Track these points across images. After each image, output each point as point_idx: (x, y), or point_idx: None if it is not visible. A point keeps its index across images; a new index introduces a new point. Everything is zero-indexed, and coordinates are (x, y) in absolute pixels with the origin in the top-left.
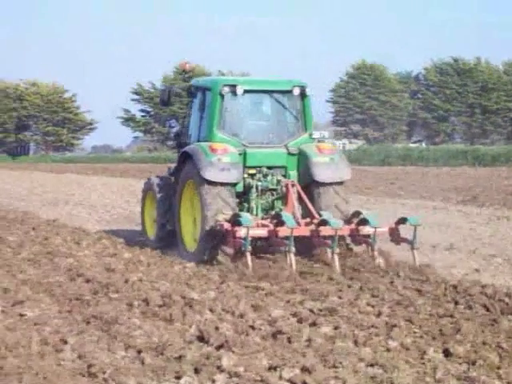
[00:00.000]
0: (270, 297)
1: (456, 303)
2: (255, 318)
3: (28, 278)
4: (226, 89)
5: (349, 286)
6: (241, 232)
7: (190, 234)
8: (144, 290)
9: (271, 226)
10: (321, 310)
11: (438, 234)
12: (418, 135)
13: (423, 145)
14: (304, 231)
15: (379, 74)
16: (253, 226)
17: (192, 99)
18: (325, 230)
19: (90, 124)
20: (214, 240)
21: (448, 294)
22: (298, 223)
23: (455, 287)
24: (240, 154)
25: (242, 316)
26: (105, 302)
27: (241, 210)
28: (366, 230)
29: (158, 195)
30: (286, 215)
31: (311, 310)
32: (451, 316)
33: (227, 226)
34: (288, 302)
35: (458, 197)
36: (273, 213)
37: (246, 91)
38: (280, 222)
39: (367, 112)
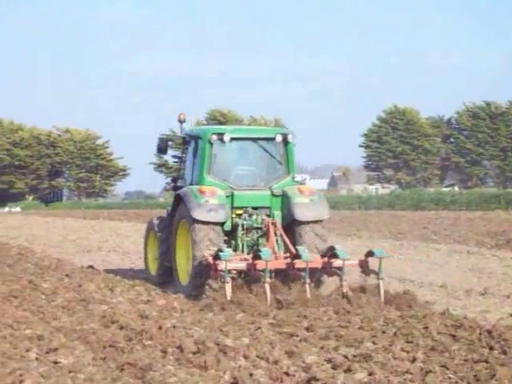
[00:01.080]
0: (304, 343)
1: (491, 348)
2: (289, 365)
3: (62, 325)
4: (215, 137)
5: (383, 332)
6: (221, 265)
7: (183, 269)
8: (178, 336)
9: (250, 260)
10: (355, 356)
11: (471, 279)
12: (450, 179)
13: (456, 189)
14: (279, 264)
15: (411, 118)
16: (233, 260)
17: (186, 147)
18: (298, 263)
19: (123, 170)
20: (203, 274)
21: (483, 339)
22: (276, 257)
23: (490, 332)
24: (227, 196)
25: (276, 362)
26: (139, 349)
27: (229, 247)
28: (336, 262)
29: (159, 235)
30: (264, 250)
31: (345, 356)
32: (486, 361)
33: (210, 260)
34: (322, 348)
35: (491, 241)
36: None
37: (232, 139)
38: (257, 256)
39: (399, 156)
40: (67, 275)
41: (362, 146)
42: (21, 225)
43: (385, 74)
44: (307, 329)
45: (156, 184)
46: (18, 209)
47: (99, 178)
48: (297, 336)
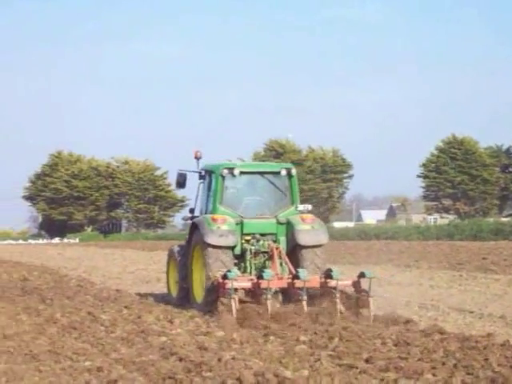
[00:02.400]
0: (363, 374)
1: None
2: None
3: (121, 357)
4: (226, 171)
5: (443, 364)
6: (228, 284)
7: (198, 288)
8: (237, 368)
9: (255, 280)
10: None
11: None
12: (509, 209)
13: None
14: (281, 284)
15: (470, 148)
16: (239, 280)
17: (202, 181)
18: (297, 283)
19: (181, 201)
20: (215, 292)
21: None
22: (279, 278)
23: None
24: (237, 224)
25: None
26: (198, 381)
27: (238, 269)
28: (332, 282)
29: (178, 260)
30: (266, 271)
31: None
32: None
33: (220, 279)
34: (382, 379)
35: None
36: None
37: (242, 173)
38: (261, 277)
39: (458, 186)
40: (126, 307)
41: (420, 177)
42: (80, 256)
43: (444, 105)
44: (366, 360)
45: None
46: (76, 240)
47: (158, 209)
48: (356, 368)
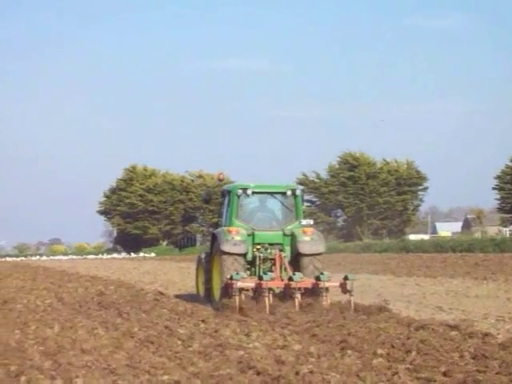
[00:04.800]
0: None
1: None
2: None
3: (199, 371)
4: (240, 191)
5: None
6: (236, 284)
7: (216, 288)
8: (315, 382)
9: (257, 281)
10: None
11: None
12: None
13: None
14: (278, 284)
15: None
16: (245, 281)
17: (223, 199)
18: (293, 284)
19: None
20: (227, 291)
21: None
22: (281, 280)
23: None
24: (249, 235)
25: None
26: None
27: (250, 273)
28: (322, 284)
29: (204, 265)
30: (267, 274)
31: None
32: None
33: (229, 281)
34: None
35: None
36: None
37: (254, 192)
38: (261, 278)
39: None
40: (203, 320)
41: (495, 188)
42: (155, 270)
43: None
44: (444, 374)
45: None
46: (152, 254)
47: None
48: (434, 381)
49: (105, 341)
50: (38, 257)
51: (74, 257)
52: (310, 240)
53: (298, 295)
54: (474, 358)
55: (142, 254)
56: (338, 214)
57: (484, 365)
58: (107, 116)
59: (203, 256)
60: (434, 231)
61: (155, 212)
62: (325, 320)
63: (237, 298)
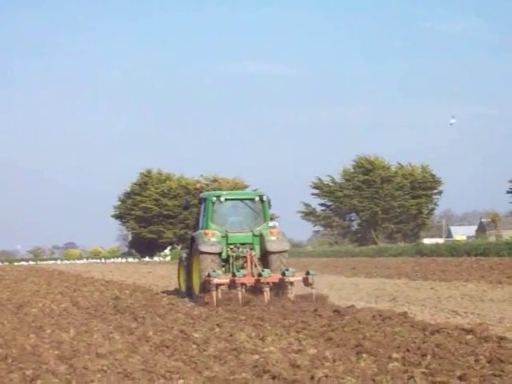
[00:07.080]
0: None
1: None
2: None
3: (214, 375)
4: (215, 198)
5: None
6: (213, 280)
7: (196, 284)
8: None
9: (231, 277)
10: None
11: None
12: None
13: None
14: (249, 280)
15: None
16: (220, 277)
17: (200, 205)
18: (262, 279)
19: (271, 218)
20: (205, 287)
21: None
22: (252, 276)
23: None
24: (223, 236)
25: None
26: None
27: (224, 270)
28: (287, 278)
29: (184, 264)
30: (240, 271)
31: None
32: None
33: (207, 277)
34: None
35: None
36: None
37: (226, 199)
38: (234, 275)
39: None
40: (218, 325)
41: (510, 192)
42: (170, 274)
43: None
44: (460, 378)
45: (304, 232)
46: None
47: None
48: None
49: (120, 345)
50: (54, 261)
51: (91, 260)
52: (276, 239)
53: (267, 289)
54: (489, 362)
55: (156, 258)
56: (353, 218)
57: (500, 369)
58: (123, 120)
59: (184, 256)
60: (449, 235)
61: (170, 216)
62: (340, 324)
63: (214, 292)
